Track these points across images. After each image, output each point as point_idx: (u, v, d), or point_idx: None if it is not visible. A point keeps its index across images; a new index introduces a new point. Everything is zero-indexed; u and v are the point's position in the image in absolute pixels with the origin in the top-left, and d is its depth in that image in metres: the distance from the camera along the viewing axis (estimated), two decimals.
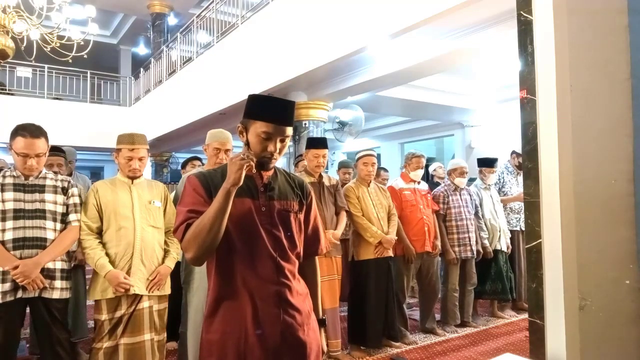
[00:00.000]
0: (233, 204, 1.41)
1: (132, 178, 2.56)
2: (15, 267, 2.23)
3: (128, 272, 2.41)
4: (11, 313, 2.30)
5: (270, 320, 1.44)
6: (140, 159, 2.53)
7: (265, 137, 1.44)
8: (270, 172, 1.54)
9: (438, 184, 5.36)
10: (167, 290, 2.58)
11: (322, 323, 1.65)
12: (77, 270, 3.31)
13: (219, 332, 1.43)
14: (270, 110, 1.45)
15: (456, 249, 4.15)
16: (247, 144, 1.49)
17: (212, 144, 2.83)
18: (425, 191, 4.14)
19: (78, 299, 3.39)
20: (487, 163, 4.60)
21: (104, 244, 2.46)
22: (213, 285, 1.47)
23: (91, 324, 3.20)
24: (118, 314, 2.40)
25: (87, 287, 2.69)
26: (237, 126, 1.51)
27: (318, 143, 3.43)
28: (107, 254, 2.43)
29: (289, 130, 1.48)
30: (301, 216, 1.59)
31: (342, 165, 4.86)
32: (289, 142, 1.53)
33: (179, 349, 2.97)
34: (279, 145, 1.47)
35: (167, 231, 2.64)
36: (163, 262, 2.57)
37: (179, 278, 2.85)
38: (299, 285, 1.54)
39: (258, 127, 1.44)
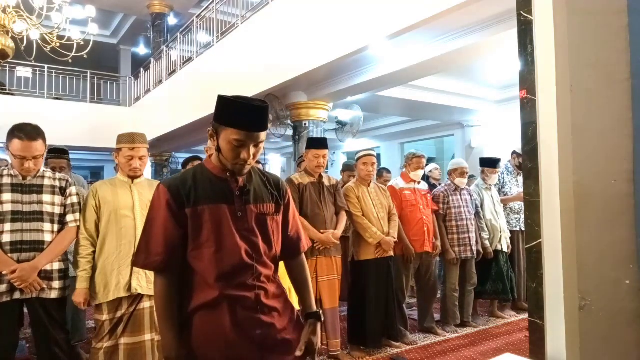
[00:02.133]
0: (209, 211, 1.39)
1: (133, 177, 2.55)
2: (13, 272, 2.22)
3: (130, 273, 2.41)
4: (8, 314, 2.29)
5: (251, 325, 1.42)
6: (140, 158, 2.52)
7: (238, 144, 1.36)
8: (245, 175, 1.48)
9: (434, 185, 5.35)
10: None
11: (318, 317, 1.57)
12: None
13: (196, 344, 1.39)
14: (242, 116, 1.34)
15: (456, 249, 4.16)
16: (219, 149, 1.41)
17: None
18: (425, 191, 4.14)
19: None
20: (490, 163, 4.59)
21: (104, 244, 2.44)
22: (188, 294, 1.42)
23: (90, 324, 3.20)
24: (119, 314, 2.40)
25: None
26: (208, 130, 1.45)
27: (318, 143, 3.43)
28: (109, 254, 2.42)
29: (263, 135, 1.40)
30: (279, 218, 1.55)
31: (347, 168, 4.86)
32: (263, 145, 1.46)
33: None
34: (252, 150, 1.39)
35: None
36: None
37: None
38: (274, 286, 1.51)
39: (230, 134, 1.36)
